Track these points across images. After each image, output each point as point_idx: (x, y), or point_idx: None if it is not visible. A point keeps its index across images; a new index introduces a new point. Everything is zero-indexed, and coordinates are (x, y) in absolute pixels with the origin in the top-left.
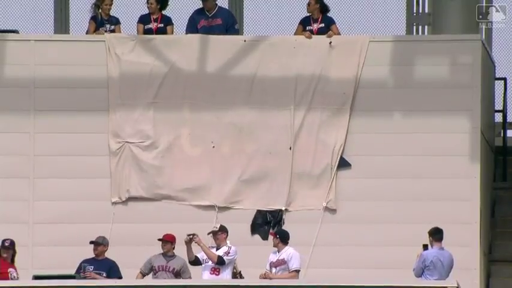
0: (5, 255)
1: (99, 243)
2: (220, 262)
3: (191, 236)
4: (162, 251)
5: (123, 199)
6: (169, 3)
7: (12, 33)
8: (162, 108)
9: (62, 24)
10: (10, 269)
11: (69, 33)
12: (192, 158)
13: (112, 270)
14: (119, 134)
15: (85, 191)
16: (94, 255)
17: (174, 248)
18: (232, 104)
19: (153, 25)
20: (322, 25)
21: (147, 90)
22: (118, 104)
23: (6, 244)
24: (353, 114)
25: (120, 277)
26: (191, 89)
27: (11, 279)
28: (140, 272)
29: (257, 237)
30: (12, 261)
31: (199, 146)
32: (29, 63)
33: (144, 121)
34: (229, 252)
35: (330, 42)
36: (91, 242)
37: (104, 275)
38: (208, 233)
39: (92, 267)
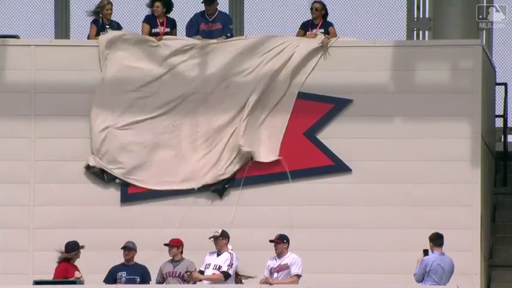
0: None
1: (131, 248)
2: (227, 277)
3: (188, 274)
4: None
5: (99, 165)
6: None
7: (13, 38)
8: (156, 110)
9: (62, 29)
10: (76, 272)
11: (69, 38)
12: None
13: (145, 274)
14: (101, 117)
15: (86, 196)
16: (125, 261)
17: (182, 252)
18: (229, 106)
19: (160, 29)
20: (322, 30)
21: (137, 88)
22: (104, 99)
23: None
24: (353, 119)
25: (149, 282)
26: (187, 91)
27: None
28: (156, 282)
29: (259, 242)
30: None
31: (191, 146)
32: (29, 68)
33: (130, 113)
34: (232, 263)
35: (324, 39)
36: (123, 248)
37: (138, 280)
38: (210, 238)
39: (125, 273)
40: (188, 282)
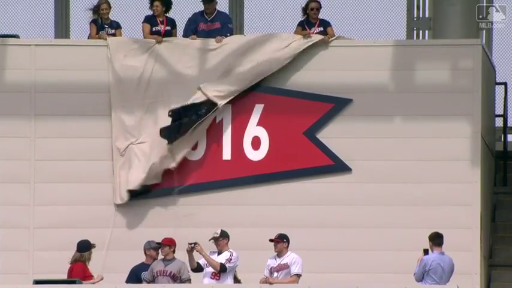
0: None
1: (158, 248)
2: (222, 269)
3: (192, 245)
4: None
5: (125, 200)
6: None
7: (13, 38)
8: (163, 109)
9: (62, 28)
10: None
11: (69, 37)
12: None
13: None
14: (122, 137)
15: (86, 195)
16: (150, 261)
17: (174, 252)
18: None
19: (160, 27)
20: (321, 28)
21: (147, 92)
22: (120, 106)
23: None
24: (353, 118)
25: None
26: (190, 91)
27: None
28: (145, 280)
29: (259, 242)
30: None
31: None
32: (29, 67)
33: (146, 123)
34: (231, 259)
35: (325, 37)
36: (154, 247)
37: None
38: (210, 240)
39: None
40: (188, 253)
